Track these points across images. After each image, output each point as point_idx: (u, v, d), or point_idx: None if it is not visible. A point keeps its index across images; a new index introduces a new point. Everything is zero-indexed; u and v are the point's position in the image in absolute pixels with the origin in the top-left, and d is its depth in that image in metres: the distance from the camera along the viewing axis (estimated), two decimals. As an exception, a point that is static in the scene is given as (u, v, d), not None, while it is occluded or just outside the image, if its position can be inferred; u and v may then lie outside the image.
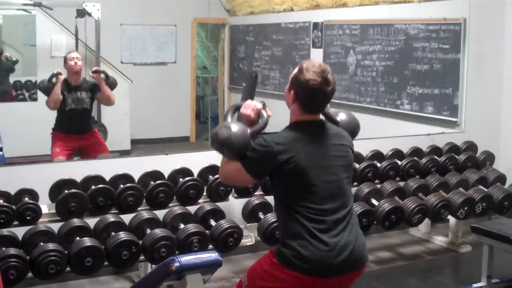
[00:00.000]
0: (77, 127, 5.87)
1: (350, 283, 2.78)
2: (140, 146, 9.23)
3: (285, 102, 2.77)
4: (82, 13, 8.02)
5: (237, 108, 2.83)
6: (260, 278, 2.71)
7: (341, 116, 3.00)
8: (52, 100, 5.73)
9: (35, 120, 7.66)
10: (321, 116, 2.81)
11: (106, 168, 4.75)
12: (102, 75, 5.95)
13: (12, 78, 9.04)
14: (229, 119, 2.79)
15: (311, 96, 2.66)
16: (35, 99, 8.40)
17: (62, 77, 5.73)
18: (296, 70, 2.70)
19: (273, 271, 2.65)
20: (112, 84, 6.09)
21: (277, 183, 2.68)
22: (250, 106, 2.79)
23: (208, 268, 2.96)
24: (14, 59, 9.00)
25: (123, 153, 8.11)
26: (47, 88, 5.77)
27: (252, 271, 2.78)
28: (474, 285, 4.40)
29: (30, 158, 6.90)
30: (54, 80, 5.72)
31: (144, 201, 4.48)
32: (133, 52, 10.01)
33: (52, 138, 5.87)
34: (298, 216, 2.62)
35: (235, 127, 2.68)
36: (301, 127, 2.69)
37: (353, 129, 3.03)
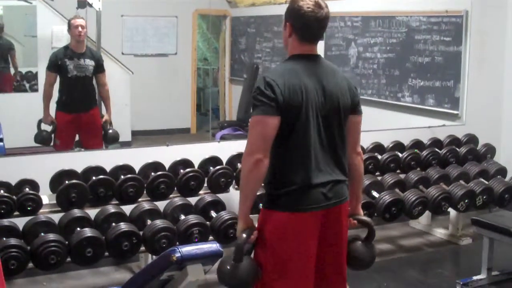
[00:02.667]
0: (80, 100, 5.83)
1: (336, 225, 2.79)
2: (141, 137, 9.21)
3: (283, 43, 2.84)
4: (83, 4, 7.97)
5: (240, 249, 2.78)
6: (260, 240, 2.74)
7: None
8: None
9: (35, 110, 7.62)
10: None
11: (106, 159, 4.75)
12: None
13: (13, 69, 9.01)
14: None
15: (306, 23, 2.72)
16: (36, 90, 8.36)
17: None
18: (290, 2, 2.77)
19: (265, 220, 2.72)
20: (111, 139, 6.14)
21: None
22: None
23: (209, 258, 2.96)
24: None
25: (124, 144, 8.10)
26: (46, 139, 5.88)
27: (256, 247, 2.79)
28: (474, 277, 4.40)
29: (31, 148, 6.89)
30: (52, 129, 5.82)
31: (144, 192, 4.48)
32: (134, 44, 9.98)
33: (56, 125, 5.87)
34: (287, 153, 2.67)
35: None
36: (297, 61, 2.74)
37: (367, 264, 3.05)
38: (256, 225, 2.79)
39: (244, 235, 2.71)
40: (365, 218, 3.08)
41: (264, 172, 2.65)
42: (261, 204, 2.81)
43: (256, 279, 2.71)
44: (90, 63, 5.82)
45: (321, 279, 2.80)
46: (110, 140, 6.13)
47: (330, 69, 2.82)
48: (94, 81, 6.05)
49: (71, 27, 5.75)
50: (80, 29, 5.69)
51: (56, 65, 5.76)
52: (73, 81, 5.76)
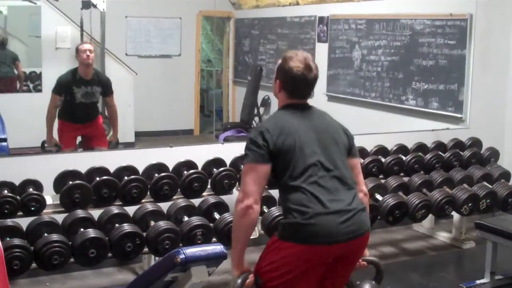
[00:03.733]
0: (83, 117, 5.88)
1: (354, 255, 2.81)
2: (144, 138, 9.23)
3: (273, 93, 2.95)
4: (87, 4, 8.01)
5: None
6: (265, 262, 2.77)
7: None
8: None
9: (39, 111, 7.63)
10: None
11: (110, 160, 4.75)
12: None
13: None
14: None
15: (295, 83, 2.83)
16: (40, 90, 8.40)
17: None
18: (280, 60, 2.88)
19: (274, 247, 2.74)
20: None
21: (276, 162, 2.75)
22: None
23: (213, 260, 2.95)
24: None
25: (127, 146, 8.11)
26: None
27: (259, 265, 2.82)
28: (478, 281, 4.40)
29: (34, 149, 6.90)
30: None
31: (148, 193, 4.48)
32: (138, 45, 10.00)
33: (58, 129, 5.89)
34: (295, 186, 2.71)
35: None
36: (288, 108, 2.86)
37: None
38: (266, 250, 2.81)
39: (239, 281, 2.75)
40: (373, 258, 3.11)
41: (255, 219, 2.74)
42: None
43: None
44: (97, 90, 5.84)
45: None
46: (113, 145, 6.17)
47: (321, 113, 2.94)
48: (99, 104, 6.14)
49: (78, 52, 5.73)
50: (88, 53, 5.68)
51: (62, 90, 5.77)
52: (79, 106, 5.79)
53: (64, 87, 5.75)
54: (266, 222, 4.39)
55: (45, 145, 5.95)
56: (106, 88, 5.91)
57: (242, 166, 2.81)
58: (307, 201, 2.67)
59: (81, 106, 5.78)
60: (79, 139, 6.15)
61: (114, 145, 6.15)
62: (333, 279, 2.83)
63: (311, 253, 2.66)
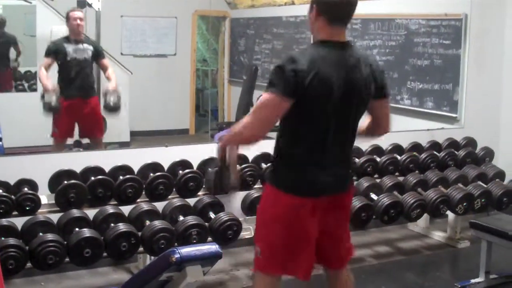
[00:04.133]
0: (80, 86, 5.85)
1: (341, 209, 2.92)
2: (139, 138, 9.21)
3: (309, 28, 2.78)
4: (82, 4, 7.99)
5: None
6: (262, 213, 2.87)
7: None
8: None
9: (34, 110, 7.62)
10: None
11: (105, 159, 4.74)
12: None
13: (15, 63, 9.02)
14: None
15: (335, 4, 2.66)
16: (35, 90, 8.36)
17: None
18: None
19: (269, 196, 2.83)
20: (113, 108, 6.03)
21: (295, 102, 2.65)
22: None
23: (208, 260, 2.96)
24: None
25: (123, 145, 8.11)
26: (54, 109, 5.77)
27: (257, 225, 2.91)
28: (472, 280, 4.41)
29: (29, 148, 6.90)
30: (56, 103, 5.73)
31: (143, 192, 4.48)
32: (133, 44, 9.98)
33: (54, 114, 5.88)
34: (300, 139, 2.72)
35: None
36: (326, 47, 2.67)
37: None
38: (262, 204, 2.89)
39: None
40: None
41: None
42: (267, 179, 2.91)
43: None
44: (88, 47, 5.92)
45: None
46: (112, 109, 6.04)
47: (356, 59, 2.74)
48: (93, 70, 6.09)
49: (69, 19, 5.83)
50: (78, 21, 5.79)
51: (54, 51, 5.85)
52: (72, 64, 5.83)
53: (55, 45, 5.88)
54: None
55: (44, 95, 5.82)
56: (97, 50, 5.98)
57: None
58: (302, 165, 2.74)
59: (75, 65, 5.81)
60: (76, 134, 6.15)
61: (111, 93, 5.96)
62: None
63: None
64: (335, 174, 2.80)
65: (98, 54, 6.01)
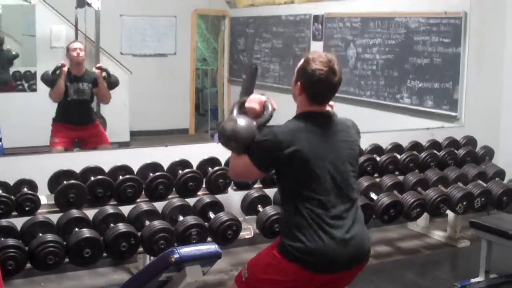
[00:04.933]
0: (77, 118, 5.86)
1: (352, 277, 2.80)
2: (139, 137, 9.21)
3: (291, 95, 2.77)
4: (82, 3, 8.00)
5: (242, 104, 2.83)
6: (262, 271, 2.70)
7: None
8: (55, 93, 5.75)
9: (34, 110, 7.64)
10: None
11: (105, 159, 4.74)
12: (104, 73, 5.93)
13: (11, 69, 9.00)
14: (234, 113, 2.80)
15: (318, 87, 2.67)
16: (35, 90, 8.37)
17: (65, 69, 5.72)
18: (302, 61, 2.71)
19: (276, 264, 2.65)
20: (114, 84, 6.09)
21: (283, 174, 2.69)
22: (254, 99, 2.81)
23: (208, 260, 2.95)
24: (14, 53, 8.95)
25: (122, 145, 8.11)
26: (51, 81, 5.77)
27: (253, 264, 2.78)
28: (472, 280, 4.41)
29: (29, 148, 6.90)
30: (58, 72, 5.71)
31: (143, 192, 4.47)
32: (133, 43, 9.98)
33: (52, 129, 5.86)
34: (302, 208, 2.62)
35: (241, 121, 2.72)
36: (307, 118, 2.70)
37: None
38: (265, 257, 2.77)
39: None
40: None
41: None
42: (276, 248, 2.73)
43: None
44: (87, 86, 5.85)
45: None
46: (113, 85, 6.09)
47: (341, 123, 2.78)
48: (91, 105, 6.10)
49: (69, 51, 5.80)
50: (78, 51, 5.75)
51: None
52: (72, 104, 5.79)
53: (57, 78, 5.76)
54: (261, 222, 4.39)
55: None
56: (95, 81, 5.92)
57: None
58: (312, 229, 2.61)
59: (74, 104, 5.78)
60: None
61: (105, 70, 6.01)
62: None
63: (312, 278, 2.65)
64: (355, 243, 2.67)
65: (95, 84, 5.96)
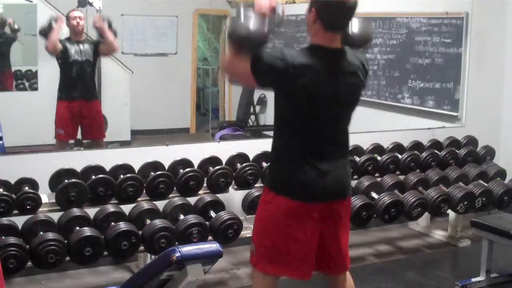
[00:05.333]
0: (82, 87, 5.90)
1: (338, 216, 2.85)
2: (140, 137, 9.21)
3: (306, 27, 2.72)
4: (83, 2, 7.99)
5: (248, 5, 2.71)
6: (261, 226, 2.82)
7: (353, 29, 2.92)
8: (50, 42, 5.85)
9: (35, 109, 7.65)
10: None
11: (106, 158, 4.75)
12: (106, 22, 6.05)
13: (12, 68, 8.99)
14: (242, 16, 2.65)
15: (332, 10, 2.61)
16: (36, 89, 8.38)
17: (60, 23, 5.76)
18: None
19: (269, 200, 2.77)
20: (115, 34, 6.19)
21: (281, 101, 2.68)
22: (263, 1, 2.66)
23: (209, 258, 2.95)
24: (16, 26, 8.93)
25: (123, 144, 8.11)
26: (46, 32, 5.84)
27: (254, 231, 2.90)
28: (473, 279, 4.40)
29: (30, 147, 6.90)
30: (53, 24, 5.81)
31: (144, 191, 4.48)
32: (134, 43, 9.97)
33: (56, 113, 5.89)
34: (293, 142, 2.69)
35: (253, 23, 2.59)
36: (320, 53, 2.65)
37: (365, 42, 3.05)
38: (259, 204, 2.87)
39: None
40: None
41: None
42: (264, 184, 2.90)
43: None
44: (89, 47, 5.97)
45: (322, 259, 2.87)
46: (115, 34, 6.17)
47: (350, 66, 2.73)
48: (95, 73, 6.15)
49: (69, 19, 5.92)
50: (78, 20, 5.85)
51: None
52: (74, 65, 5.86)
53: (60, 41, 5.90)
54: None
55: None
56: (97, 43, 6.05)
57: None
58: (299, 163, 2.70)
59: (76, 66, 5.84)
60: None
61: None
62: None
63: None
64: (334, 178, 2.76)
65: (98, 45, 6.03)
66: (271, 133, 2.92)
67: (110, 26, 6.06)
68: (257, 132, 9.25)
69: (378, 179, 5.14)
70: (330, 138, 2.75)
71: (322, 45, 2.67)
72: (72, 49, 5.85)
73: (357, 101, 2.83)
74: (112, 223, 4.06)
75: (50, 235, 3.80)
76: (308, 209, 2.74)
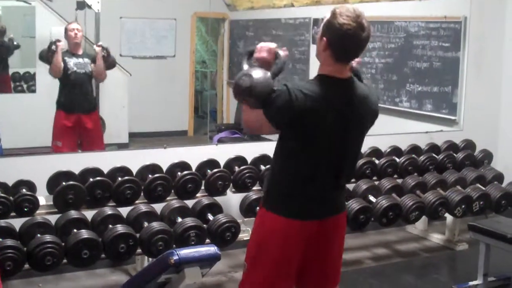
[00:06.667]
0: (81, 100, 5.91)
1: (334, 232, 2.76)
2: (138, 139, 9.21)
3: (315, 52, 2.67)
4: (82, 5, 7.98)
5: (249, 54, 2.72)
6: (255, 243, 2.73)
7: None
8: (53, 68, 5.86)
9: (33, 111, 7.64)
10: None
11: (104, 160, 4.74)
12: (104, 52, 6.03)
13: (11, 70, 8.98)
14: (245, 66, 2.67)
15: (345, 43, 2.53)
16: (34, 91, 8.37)
17: (61, 44, 5.79)
18: (328, 15, 2.57)
19: (263, 220, 2.69)
20: (111, 64, 6.21)
21: (289, 135, 2.61)
22: (263, 48, 2.67)
23: (207, 261, 2.96)
24: (16, 43, 8.93)
25: (121, 146, 8.09)
26: (47, 57, 5.86)
27: (248, 249, 2.80)
28: (470, 283, 4.41)
29: (28, 149, 6.88)
30: (53, 48, 5.81)
31: (142, 194, 4.48)
32: (132, 46, 9.97)
33: (54, 123, 5.88)
34: (294, 172, 2.62)
35: (256, 74, 2.59)
36: (330, 85, 2.57)
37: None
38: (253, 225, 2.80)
39: None
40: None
41: None
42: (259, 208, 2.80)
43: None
44: (88, 61, 5.98)
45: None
46: (110, 65, 6.19)
47: (359, 98, 2.65)
48: (93, 86, 6.13)
49: (67, 31, 5.94)
50: (76, 31, 5.89)
51: None
52: (73, 79, 5.86)
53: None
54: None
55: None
56: (94, 59, 6.05)
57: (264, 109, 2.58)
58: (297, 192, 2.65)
59: (76, 79, 5.86)
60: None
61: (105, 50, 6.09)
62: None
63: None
64: (325, 200, 2.70)
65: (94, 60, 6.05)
66: (269, 136, 2.91)
67: (108, 55, 6.05)
68: (255, 135, 9.24)
69: (376, 183, 5.14)
70: (335, 172, 2.67)
71: (331, 75, 2.59)
72: (71, 62, 5.87)
73: (367, 130, 2.77)
74: (110, 226, 4.06)
75: (48, 237, 3.80)
76: (301, 227, 2.66)
